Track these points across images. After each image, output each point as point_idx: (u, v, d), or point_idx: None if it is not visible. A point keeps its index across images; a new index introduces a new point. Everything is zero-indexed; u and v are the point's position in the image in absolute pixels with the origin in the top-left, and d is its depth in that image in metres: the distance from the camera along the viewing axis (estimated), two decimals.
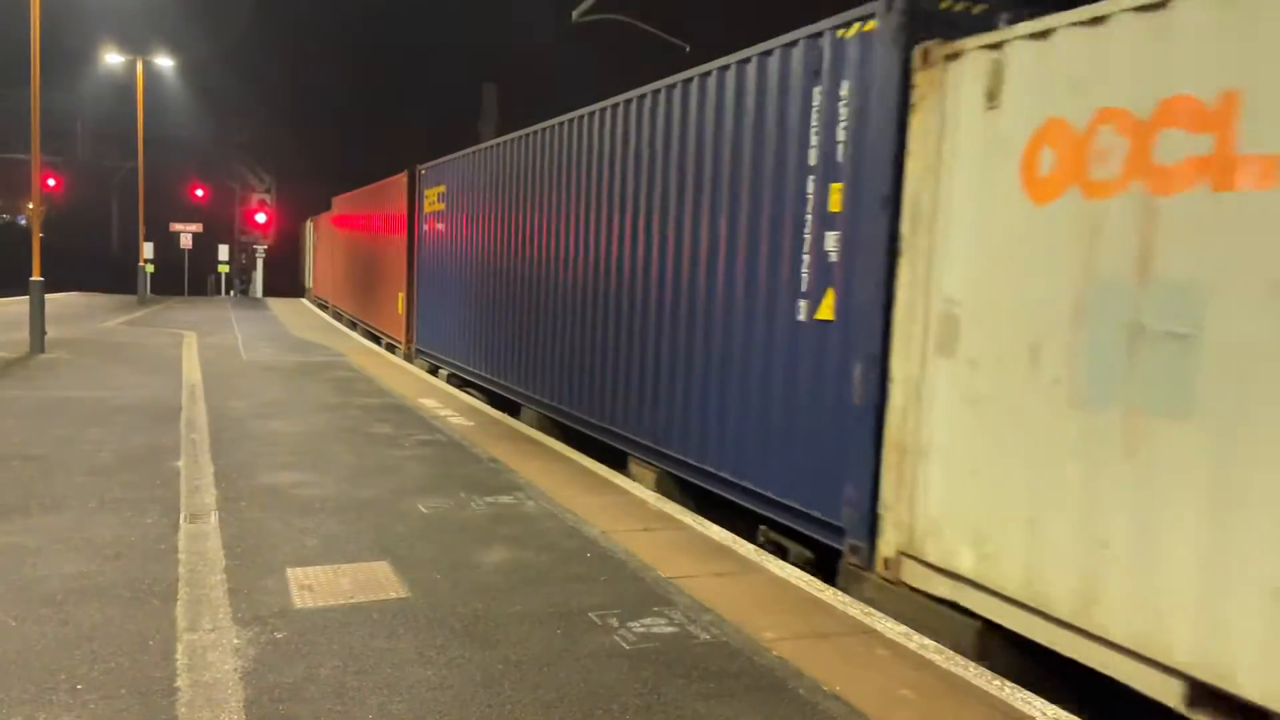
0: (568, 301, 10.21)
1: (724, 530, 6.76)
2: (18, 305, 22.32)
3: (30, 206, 17.47)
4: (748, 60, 6.96)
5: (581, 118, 9.94)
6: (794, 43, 6.42)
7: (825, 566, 6.03)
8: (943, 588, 5.10)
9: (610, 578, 5.59)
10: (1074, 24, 4.49)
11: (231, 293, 48.34)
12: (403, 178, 18.13)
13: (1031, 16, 4.79)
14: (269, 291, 49.16)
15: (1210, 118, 3.88)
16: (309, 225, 40.71)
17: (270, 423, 10.08)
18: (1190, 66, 3.94)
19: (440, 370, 15.74)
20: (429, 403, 11.99)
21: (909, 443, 5.34)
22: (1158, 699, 3.98)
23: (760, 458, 6.67)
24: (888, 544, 5.46)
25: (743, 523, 6.95)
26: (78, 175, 51.23)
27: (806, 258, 6.25)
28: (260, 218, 52.73)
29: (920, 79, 5.33)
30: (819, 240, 6.15)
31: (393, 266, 19.27)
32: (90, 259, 46.07)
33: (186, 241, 42.50)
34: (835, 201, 6.00)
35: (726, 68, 7.25)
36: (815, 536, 6.12)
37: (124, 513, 6.51)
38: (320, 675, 4.13)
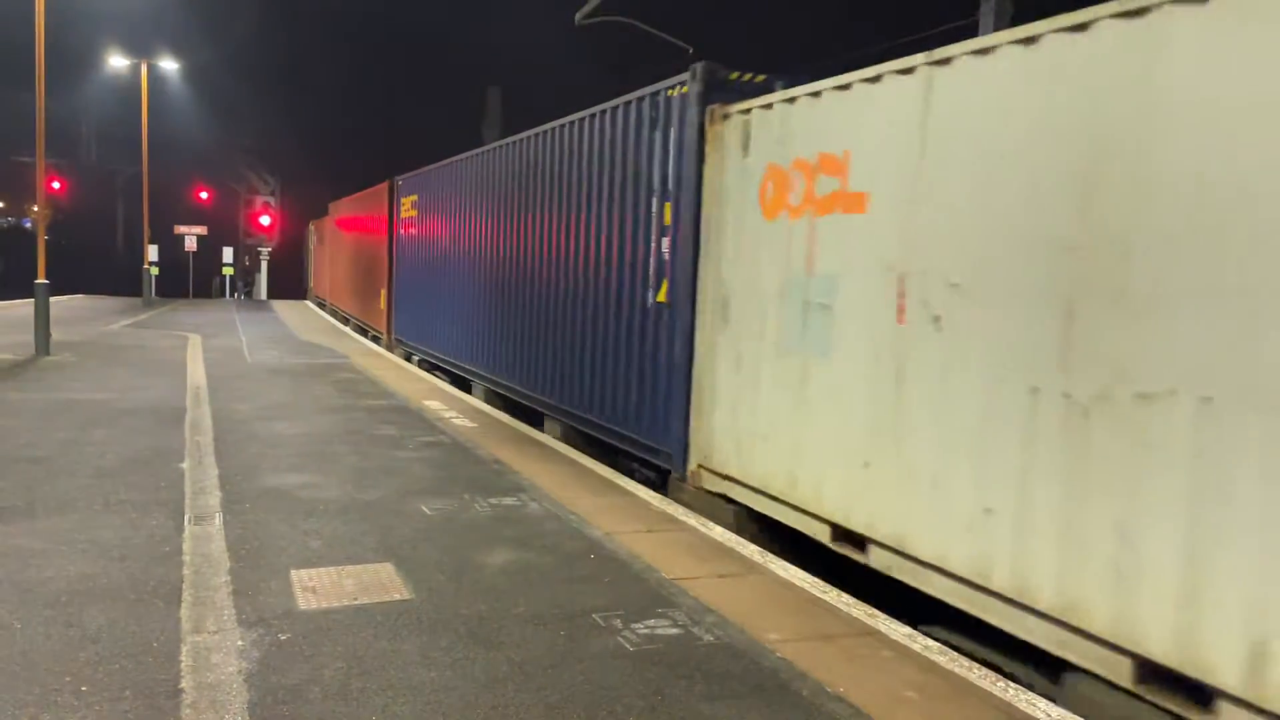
0: (503, 295, 12.52)
1: (727, 532, 6.77)
2: (23, 308, 22.37)
3: (36, 209, 17.47)
4: (616, 108, 9.05)
5: (508, 145, 12.34)
6: (644, 97, 8.51)
7: (664, 483, 8.21)
8: (720, 486, 7.39)
9: (614, 579, 5.59)
10: (783, 100, 6.65)
11: (236, 295, 48.43)
12: (384, 187, 20.28)
13: (794, 85, 6.65)
14: (273, 294, 49.24)
15: (839, 166, 6.09)
16: (311, 228, 41.10)
17: (275, 425, 10.09)
18: (832, 133, 6.16)
19: (413, 357, 17.78)
20: (433, 405, 12.00)
21: (705, 389, 7.56)
22: (816, 538, 6.21)
23: (624, 408, 8.85)
24: (693, 461, 7.74)
25: (621, 460, 9.11)
26: (83, 178, 51.36)
27: (652, 260, 8.34)
28: (264, 220, 52.80)
29: (710, 132, 7.48)
30: (659, 244, 8.23)
31: (378, 267, 21.36)
32: (95, 262, 46.23)
33: (191, 244, 42.57)
34: (667, 217, 8.08)
35: (605, 111, 9.31)
36: (656, 462, 8.33)
37: (129, 515, 6.52)
38: (324, 677, 4.14)
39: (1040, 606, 4.52)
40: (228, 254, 46.52)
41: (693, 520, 7.02)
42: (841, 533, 5.96)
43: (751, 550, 6.34)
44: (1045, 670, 4.67)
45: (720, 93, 7.47)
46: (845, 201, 5.98)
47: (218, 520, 6.46)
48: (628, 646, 4.59)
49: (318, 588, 5.24)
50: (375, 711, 3.85)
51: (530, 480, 8.01)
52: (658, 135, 8.19)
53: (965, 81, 5.11)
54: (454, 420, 10.89)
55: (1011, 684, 4.40)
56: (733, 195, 7.19)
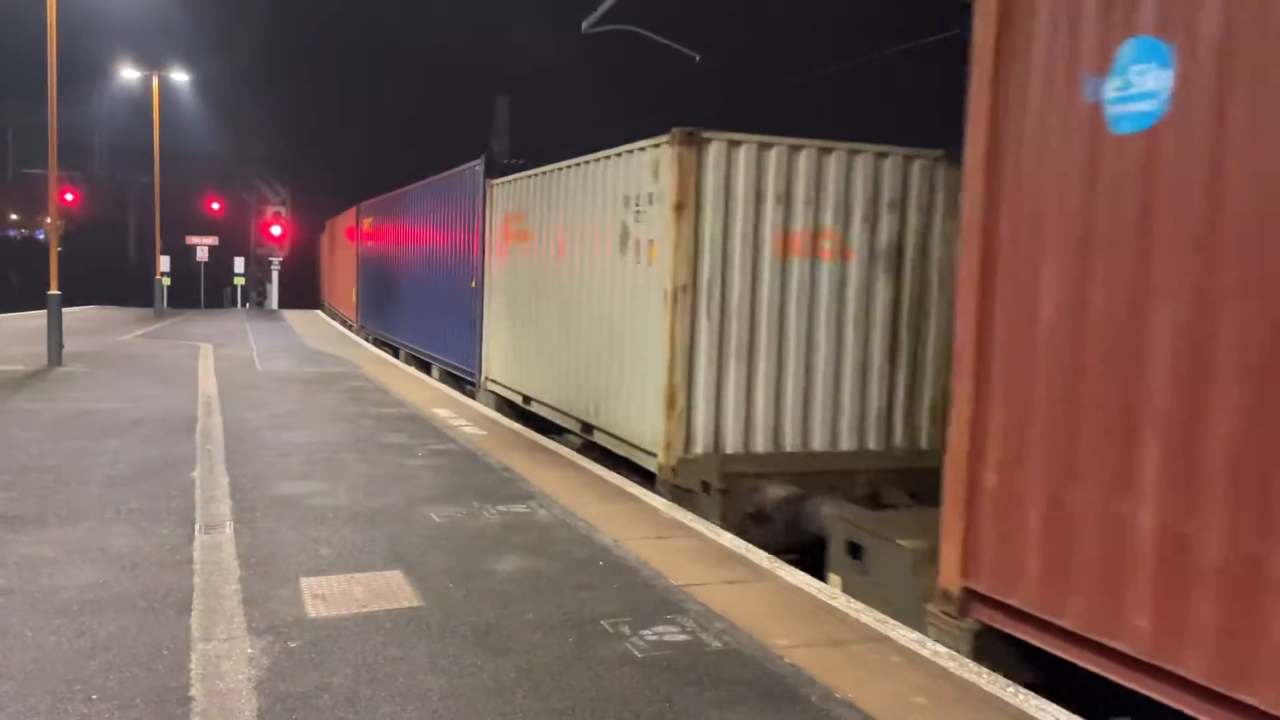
0: (407, 288, 20.12)
1: (735, 538, 6.77)
2: (36, 319, 22.49)
3: (49, 221, 17.60)
4: (451, 177, 16.00)
5: (404, 193, 20.71)
6: (463, 172, 15.00)
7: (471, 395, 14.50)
8: (491, 387, 13.52)
9: (622, 585, 5.59)
10: (502, 182, 13.14)
11: (247, 305, 48.61)
12: (353, 211, 28.58)
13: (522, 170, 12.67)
14: (284, 303, 49.40)
15: (521, 218, 12.33)
16: (321, 240, 41.64)
17: (285, 433, 10.13)
18: (519, 199, 12.40)
19: (369, 338, 24.65)
20: (442, 412, 12.03)
21: (487, 336, 13.83)
22: (519, 402, 12.25)
23: (459, 351, 15.44)
24: (482, 376, 13.95)
25: (461, 387, 15.33)
26: (95, 190, 51.64)
27: (473, 263, 14.59)
28: (275, 230, 53.03)
29: (489, 194, 13.78)
30: (475, 256, 14.50)
31: (350, 271, 29.18)
32: (107, 272, 46.45)
33: (203, 255, 42.78)
34: (475, 244, 14.43)
35: (443, 179, 16.65)
36: (471, 381, 14.66)
37: (140, 523, 6.55)
38: (333, 684, 4.15)
39: (563, 408, 10.72)
40: (239, 264, 46.74)
41: (701, 526, 7.02)
42: (526, 399, 12.11)
43: (760, 556, 6.34)
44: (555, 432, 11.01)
45: (495, 171, 13.82)
46: (521, 237, 12.38)
47: (228, 528, 6.48)
48: (636, 653, 4.59)
49: (327, 595, 5.25)
50: (384, 719, 3.86)
51: (539, 487, 8.02)
52: (477, 195, 14.33)
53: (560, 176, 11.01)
54: (463, 428, 10.91)
55: (1021, 690, 4.39)
56: (494, 236, 13.70)
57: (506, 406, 12.84)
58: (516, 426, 11.33)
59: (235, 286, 47.55)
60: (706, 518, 7.49)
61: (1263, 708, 3.66)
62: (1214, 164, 3.89)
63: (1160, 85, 4.10)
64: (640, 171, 8.62)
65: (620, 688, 4.20)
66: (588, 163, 9.96)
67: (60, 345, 16.04)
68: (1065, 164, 4.54)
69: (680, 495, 7.97)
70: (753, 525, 7.65)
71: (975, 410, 5.00)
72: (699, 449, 8.09)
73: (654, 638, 4.79)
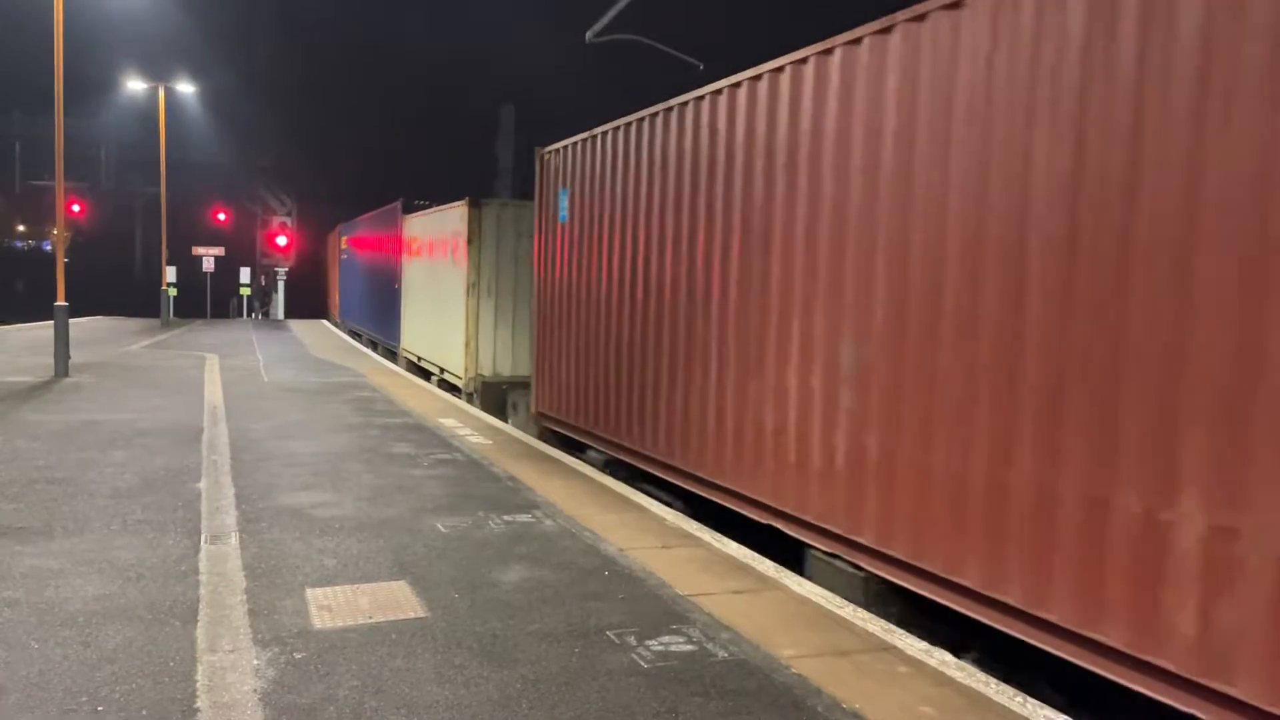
0: (361, 287, 29.02)
1: (743, 547, 6.76)
2: (43, 330, 22.57)
3: (55, 232, 17.68)
4: (382, 212, 24.92)
5: (357, 220, 30.45)
6: (390, 209, 23.07)
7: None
8: (408, 356, 20.52)
9: (628, 596, 5.58)
10: (409, 217, 21.26)
11: (254, 315, 48.74)
12: (336, 230, 36.94)
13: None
14: (290, 313, 49.54)
15: (416, 241, 20.20)
16: (330, 242, 42.38)
17: (291, 444, 10.14)
18: (415, 229, 20.32)
19: (349, 331, 31.65)
20: (448, 422, 12.03)
21: (404, 319, 21.18)
22: (433, 371, 17.92)
23: (391, 333, 22.67)
24: (401, 346, 21.46)
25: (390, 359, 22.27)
26: (102, 201, 51.91)
27: (394, 269, 22.22)
28: (281, 240, 53.21)
29: (403, 225, 21.77)
30: (398, 265, 21.91)
31: (334, 277, 38.89)
32: (114, 283, 46.58)
33: (209, 265, 42.89)
34: (397, 258, 22.47)
35: (383, 211, 25.80)
36: (395, 350, 21.98)
37: (146, 534, 6.56)
38: (339, 696, 4.14)
39: (441, 364, 17.13)
40: (245, 274, 46.85)
41: (707, 536, 7.00)
42: (440, 370, 16.93)
43: (767, 566, 6.32)
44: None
45: (409, 208, 21.08)
46: (415, 253, 20.16)
47: (234, 539, 6.49)
48: (642, 664, 4.58)
49: (333, 606, 5.25)
50: None
51: (545, 497, 8.01)
52: (394, 223, 21.63)
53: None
54: (469, 437, 10.91)
55: (1030, 699, 4.37)
56: (407, 248, 20.82)
57: (414, 368, 19.71)
58: (522, 436, 11.33)
59: (241, 297, 47.66)
60: (480, 408, 14.21)
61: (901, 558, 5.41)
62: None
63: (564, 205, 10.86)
64: (457, 219, 15.63)
65: (626, 699, 4.19)
66: (442, 210, 17.29)
67: (67, 356, 16.08)
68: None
69: (471, 398, 14.94)
70: (505, 409, 14.49)
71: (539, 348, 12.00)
72: (480, 372, 15.15)
73: (660, 648, 4.77)
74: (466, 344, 14.89)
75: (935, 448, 5.41)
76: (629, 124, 9.20)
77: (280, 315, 50.33)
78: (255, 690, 4.17)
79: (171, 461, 9.03)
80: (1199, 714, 4.03)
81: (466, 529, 6.93)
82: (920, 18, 5.58)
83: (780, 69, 6.88)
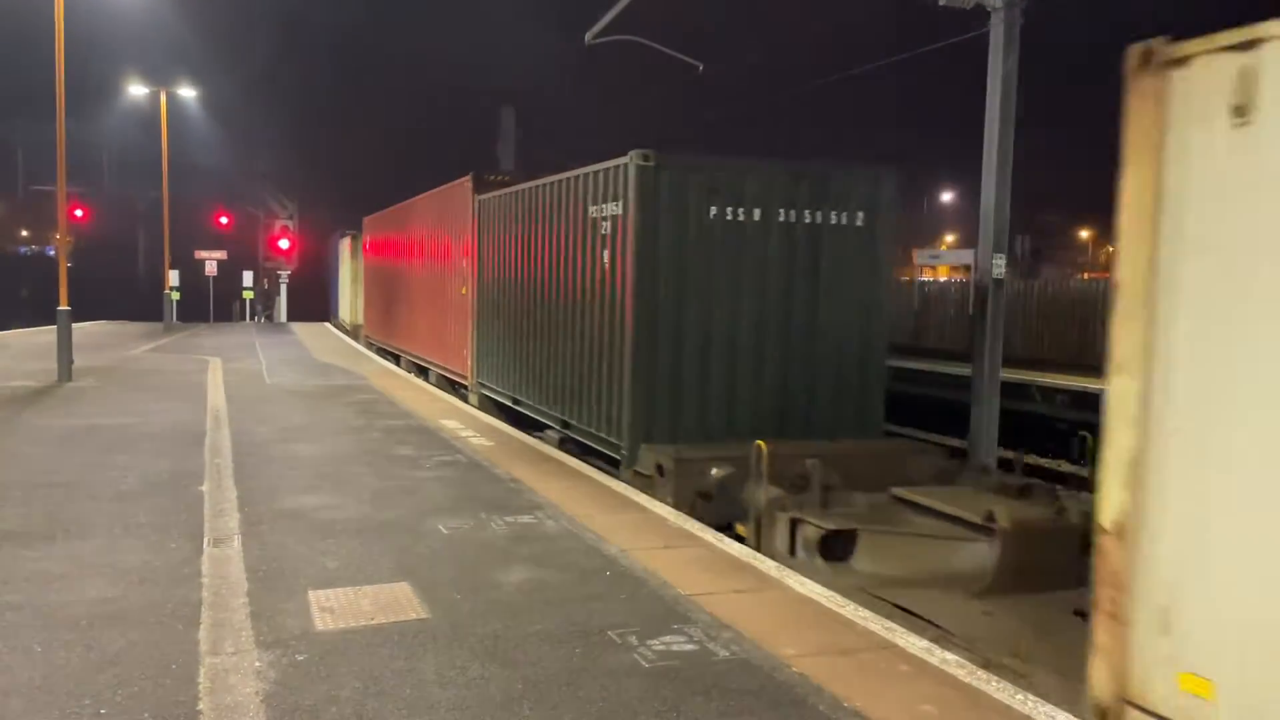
0: (336, 287, 37.75)
1: (744, 547, 6.77)
2: (46, 335, 22.60)
3: (58, 237, 17.72)
4: (340, 235, 35.09)
5: (335, 235, 38.09)
6: (342, 234, 35.21)
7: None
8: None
9: (629, 596, 5.58)
10: (363, 230, 29.42)
11: (256, 318, 48.77)
12: (335, 236, 38.79)
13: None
14: (293, 316, 49.54)
15: (364, 250, 29.25)
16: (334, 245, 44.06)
17: (293, 446, 10.16)
18: (373, 233, 27.30)
19: (337, 324, 34.59)
20: (450, 424, 12.04)
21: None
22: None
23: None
24: (362, 332, 28.81)
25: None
26: (105, 206, 51.97)
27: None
28: (283, 244, 53.21)
29: (357, 241, 31.45)
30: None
31: (327, 281, 43.56)
32: (117, 288, 46.69)
33: (211, 269, 42.90)
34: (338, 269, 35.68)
35: (338, 235, 35.94)
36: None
37: (149, 538, 6.57)
38: (341, 697, 4.15)
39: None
40: (248, 278, 46.85)
41: (709, 536, 7.01)
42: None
43: (769, 565, 6.33)
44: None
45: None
46: (359, 257, 31.25)
47: (236, 542, 6.50)
48: (643, 663, 4.59)
49: (335, 608, 5.26)
50: None
51: (547, 498, 8.02)
52: (352, 238, 32.16)
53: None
54: (471, 439, 10.92)
55: (1031, 696, 4.37)
56: (356, 256, 32.17)
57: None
58: (523, 437, 11.34)
59: (244, 300, 47.67)
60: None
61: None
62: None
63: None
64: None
65: (628, 698, 4.20)
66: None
67: (70, 360, 16.11)
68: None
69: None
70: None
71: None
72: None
73: (661, 648, 4.78)
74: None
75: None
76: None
77: (283, 318, 50.34)
78: (257, 692, 4.18)
79: (174, 465, 9.05)
80: None
81: (468, 530, 6.94)
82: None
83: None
